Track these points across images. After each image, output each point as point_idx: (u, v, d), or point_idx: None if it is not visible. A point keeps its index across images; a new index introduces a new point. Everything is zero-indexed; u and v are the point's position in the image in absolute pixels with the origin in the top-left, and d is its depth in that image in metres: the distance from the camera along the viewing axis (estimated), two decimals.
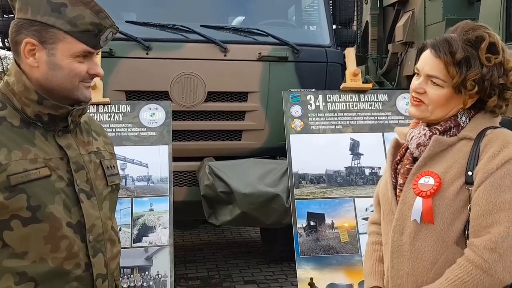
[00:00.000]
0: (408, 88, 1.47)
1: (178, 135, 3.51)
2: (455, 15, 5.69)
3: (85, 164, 1.30)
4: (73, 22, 1.20)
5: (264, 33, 3.67)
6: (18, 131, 1.21)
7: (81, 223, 1.25)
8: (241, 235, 5.87)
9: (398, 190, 1.44)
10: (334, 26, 4.16)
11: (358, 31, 7.62)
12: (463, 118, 1.39)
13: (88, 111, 3.14)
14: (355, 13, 4.30)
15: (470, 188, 1.31)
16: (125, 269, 2.70)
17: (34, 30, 1.19)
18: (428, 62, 1.37)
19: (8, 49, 3.78)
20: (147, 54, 3.47)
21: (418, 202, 1.34)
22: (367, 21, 7.57)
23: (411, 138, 1.44)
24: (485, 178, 1.28)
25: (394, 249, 1.40)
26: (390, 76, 7.24)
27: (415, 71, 1.44)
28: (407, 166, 1.43)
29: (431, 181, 1.35)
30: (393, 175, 1.48)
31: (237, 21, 4.26)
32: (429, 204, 1.33)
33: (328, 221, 3.00)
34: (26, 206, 1.16)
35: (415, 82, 1.41)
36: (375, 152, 3.11)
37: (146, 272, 2.75)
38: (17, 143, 1.18)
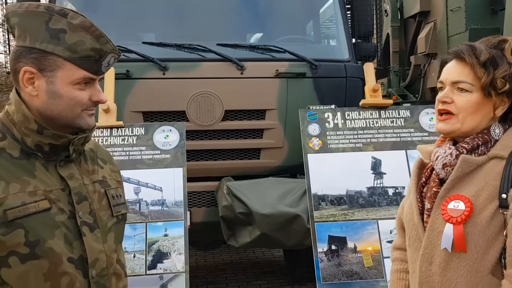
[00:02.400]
0: (432, 101, 1.38)
1: (196, 155, 3.48)
2: (479, 25, 5.53)
3: (89, 195, 1.25)
4: (72, 49, 1.15)
5: (281, 50, 3.63)
6: (18, 163, 1.16)
7: (84, 258, 1.19)
8: (264, 254, 5.76)
9: (425, 215, 1.34)
10: (353, 40, 4.09)
11: (378, 44, 7.52)
12: (496, 131, 1.30)
13: (102, 134, 3.15)
14: (375, 26, 4.21)
15: (505, 212, 1.20)
16: None
17: (33, 57, 1.15)
18: (452, 70, 1.31)
19: None
20: (163, 74, 3.47)
21: (449, 229, 1.24)
22: (388, 34, 7.45)
23: (436, 158, 1.34)
24: None
25: (422, 279, 1.30)
26: (413, 88, 7.08)
27: (438, 85, 1.36)
28: (434, 189, 1.33)
29: (461, 205, 1.25)
30: (419, 199, 1.38)
31: (255, 38, 4.24)
32: (461, 231, 1.22)
33: (350, 244, 2.87)
34: (24, 242, 1.10)
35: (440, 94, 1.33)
36: (398, 171, 2.98)
37: None
38: (16, 175, 1.14)
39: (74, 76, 1.17)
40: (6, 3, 3.94)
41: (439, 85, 1.35)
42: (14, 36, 1.21)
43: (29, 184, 1.14)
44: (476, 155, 1.29)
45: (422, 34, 6.54)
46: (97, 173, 1.32)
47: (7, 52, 3.93)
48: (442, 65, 1.40)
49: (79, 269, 1.17)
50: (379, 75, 7.38)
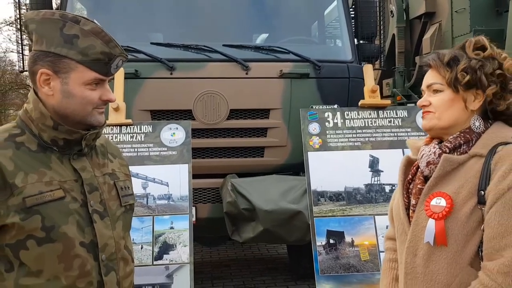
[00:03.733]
0: None
1: (201, 152, 3.56)
2: (483, 26, 5.57)
3: (99, 186, 1.35)
4: (84, 52, 1.26)
5: (285, 51, 3.69)
6: (35, 155, 1.27)
7: (94, 243, 1.29)
8: (268, 251, 5.84)
9: (410, 211, 1.43)
10: (360, 41, 4.15)
11: (382, 45, 7.60)
12: (476, 123, 1.38)
13: (112, 132, 3.27)
14: (379, 27, 4.27)
15: (483, 208, 1.28)
16: (146, 287, 2.75)
17: (49, 60, 1.26)
18: (427, 77, 1.45)
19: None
20: (171, 74, 3.55)
21: (431, 224, 1.33)
22: (393, 34, 7.50)
23: (422, 156, 1.43)
24: (497, 199, 1.25)
25: (407, 270, 1.38)
26: (418, 89, 7.13)
27: (422, 93, 1.47)
28: (419, 186, 1.41)
29: (442, 202, 1.33)
30: (405, 195, 1.46)
31: (261, 39, 4.31)
32: (442, 227, 1.30)
33: (348, 239, 2.97)
34: (41, 226, 1.21)
35: None
36: (395, 169, 3.02)
37: None
38: (33, 167, 1.25)
39: (86, 77, 1.28)
40: (19, 4, 4.07)
41: (422, 93, 1.47)
42: (31, 40, 1.32)
43: (45, 175, 1.25)
44: (458, 153, 1.37)
45: (427, 35, 6.59)
46: (107, 166, 1.42)
47: (19, 51, 4.06)
48: (423, 77, 1.53)
49: (90, 252, 1.28)
50: (384, 75, 7.42)
